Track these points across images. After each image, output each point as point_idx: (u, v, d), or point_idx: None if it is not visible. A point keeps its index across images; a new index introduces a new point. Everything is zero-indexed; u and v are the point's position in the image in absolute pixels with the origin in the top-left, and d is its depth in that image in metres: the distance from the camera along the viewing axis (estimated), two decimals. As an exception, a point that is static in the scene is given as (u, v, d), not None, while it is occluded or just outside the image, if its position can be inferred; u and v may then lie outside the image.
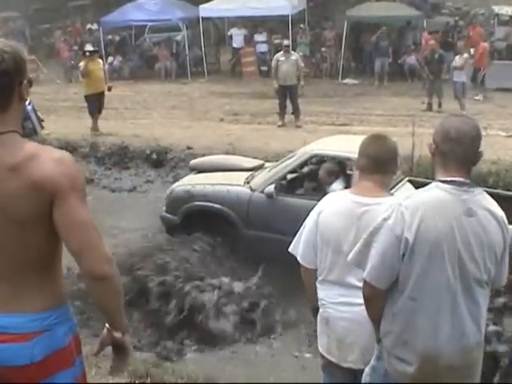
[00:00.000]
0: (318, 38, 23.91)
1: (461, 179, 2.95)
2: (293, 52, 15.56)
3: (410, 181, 7.63)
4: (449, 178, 2.95)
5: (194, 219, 8.05)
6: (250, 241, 7.72)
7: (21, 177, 2.38)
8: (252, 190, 7.83)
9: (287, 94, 15.06)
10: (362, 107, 17.42)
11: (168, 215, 8.37)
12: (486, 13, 26.88)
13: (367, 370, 3.29)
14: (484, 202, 3.00)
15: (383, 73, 21.34)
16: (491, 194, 3.12)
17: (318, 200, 7.23)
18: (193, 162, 9.70)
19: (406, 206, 2.93)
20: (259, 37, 24.01)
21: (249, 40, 24.10)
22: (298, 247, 3.80)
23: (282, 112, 15.28)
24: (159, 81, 22.95)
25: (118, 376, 2.63)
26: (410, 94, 19.20)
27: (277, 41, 22.24)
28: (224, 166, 8.87)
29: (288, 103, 15.21)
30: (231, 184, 8.07)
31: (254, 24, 25.08)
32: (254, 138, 13.41)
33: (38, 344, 2.44)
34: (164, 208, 8.52)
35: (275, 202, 7.59)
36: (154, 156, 12.55)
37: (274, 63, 15.22)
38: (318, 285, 3.74)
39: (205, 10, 22.95)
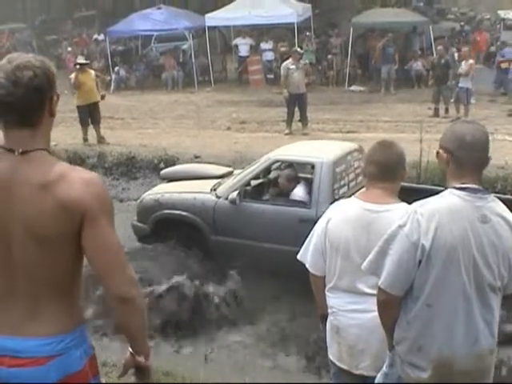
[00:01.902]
0: (324, 46, 23.94)
1: (474, 186, 2.96)
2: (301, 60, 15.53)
3: None
4: (463, 185, 2.96)
5: (163, 227, 8.13)
6: (217, 246, 7.79)
7: (50, 196, 2.34)
8: (217, 196, 7.90)
9: (296, 102, 15.01)
10: (368, 114, 17.39)
11: (139, 224, 8.43)
12: (491, 18, 26.91)
13: (379, 376, 3.28)
14: (497, 208, 3.00)
15: (390, 79, 21.31)
16: (500, 199, 3.11)
17: (281, 205, 7.51)
18: (164, 171, 9.79)
19: (421, 213, 2.92)
20: (265, 45, 24.04)
21: (255, 48, 24.16)
22: (307, 255, 3.79)
23: (290, 120, 15.21)
24: (166, 90, 22.99)
25: None
26: (416, 100, 19.18)
27: (283, 49, 22.25)
28: (194, 174, 8.95)
29: (295, 111, 15.18)
30: (198, 192, 8.15)
31: (259, 32, 25.14)
32: (261, 146, 13.33)
33: (52, 367, 2.41)
34: (135, 217, 8.58)
35: (239, 208, 7.65)
36: (162, 165, 12.51)
37: (283, 71, 15.04)
38: (327, 292, 3.73)
39: (211, 19, 23.04)
